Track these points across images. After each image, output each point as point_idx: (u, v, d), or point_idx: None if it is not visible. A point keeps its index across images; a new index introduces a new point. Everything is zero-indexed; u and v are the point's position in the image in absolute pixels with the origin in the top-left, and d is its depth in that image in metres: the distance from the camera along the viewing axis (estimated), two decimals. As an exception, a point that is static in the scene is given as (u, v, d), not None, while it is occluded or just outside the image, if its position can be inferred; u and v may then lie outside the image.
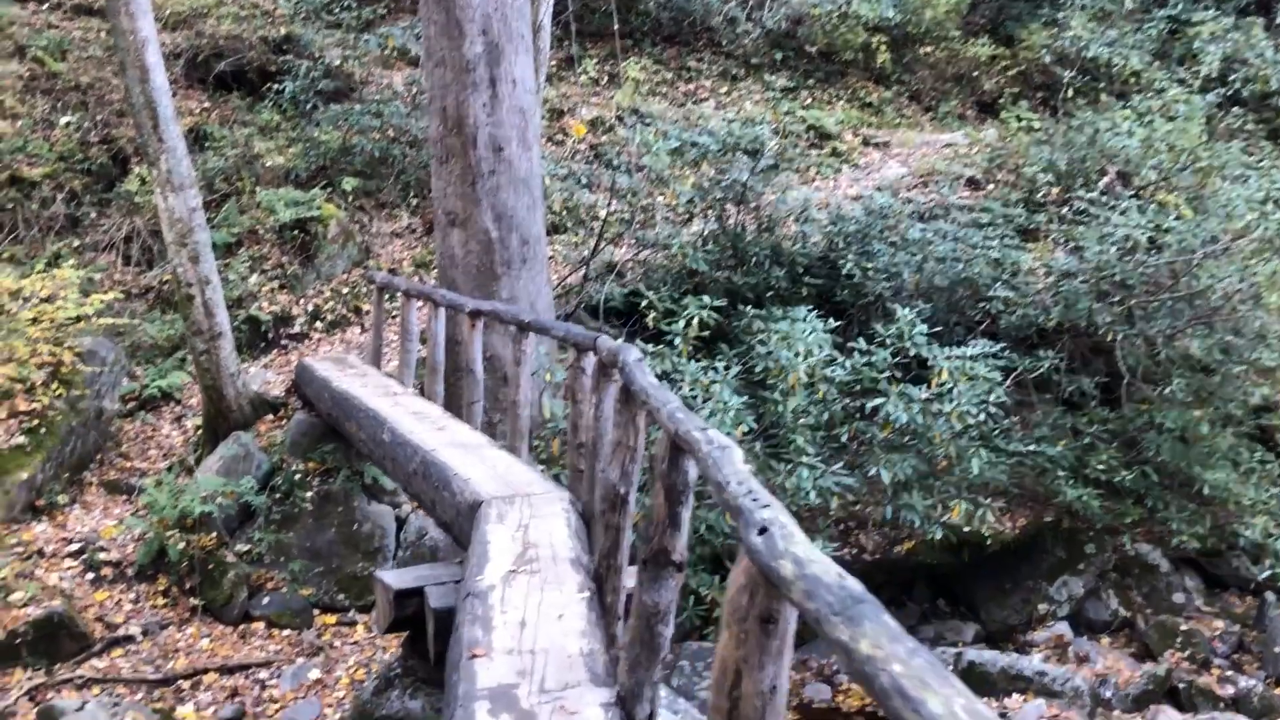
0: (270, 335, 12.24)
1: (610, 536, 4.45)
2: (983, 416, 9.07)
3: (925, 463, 9.27)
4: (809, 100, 16.71)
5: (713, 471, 2.55)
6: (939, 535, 9.00)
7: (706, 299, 9.10)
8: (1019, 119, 15.28)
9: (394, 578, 5.74)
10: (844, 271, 11.37)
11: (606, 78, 16.87)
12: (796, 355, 8.21)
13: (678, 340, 8.73)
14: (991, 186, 13.93)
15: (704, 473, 2.69)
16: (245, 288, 12.46)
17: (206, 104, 15.60)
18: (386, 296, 10.57)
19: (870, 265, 11.42)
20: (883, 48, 16.94)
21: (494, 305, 7.26)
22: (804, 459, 7.83)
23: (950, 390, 8.98)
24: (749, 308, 10.48)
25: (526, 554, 4.73)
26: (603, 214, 13.14)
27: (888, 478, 8.68)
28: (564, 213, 13.91)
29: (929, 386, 9.04)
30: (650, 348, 8.56)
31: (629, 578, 4.55)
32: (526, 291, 9.54)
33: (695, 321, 8.24)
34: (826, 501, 8.36)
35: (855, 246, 11.63)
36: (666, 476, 3.29)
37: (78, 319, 10.66)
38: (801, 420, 8.28)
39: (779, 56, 17.40)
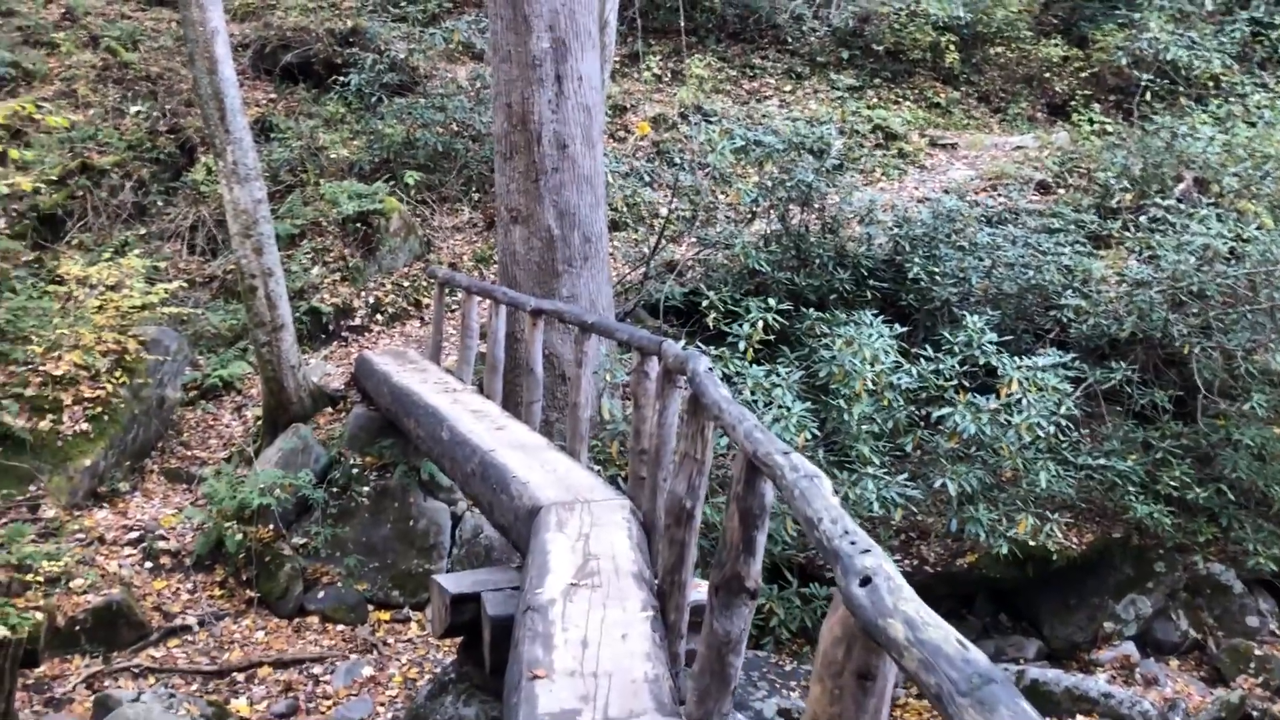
0: (331, 327, 12.23)
1: (675, 552, 4.27)
2: (1052, 429, 8.78)
3: (991, 474, 9.00)
4: (875, 100, 16.38)
5: (800, 504, 2.36)
6: (1004, 550, 8.72)
7: (770, 301, 8.89)
8: (1091, 122, 14.86)
9: (450, 581, 5.62)
10: (910, 275, 11.09)
11: (670, 75, 16.68)
12: (862, 361, 7.97)
13: (741, 343, 8.53)
14: (1062, 191, 13.54)
15: (789, 504, 2.51)
16: (307, 279, 12.46)
17: (273, 95, 15.67)
18: (447, 292, 10.48)
19: (937, 270, 11.13)
20: (951, 47, 16.55)
21: (556, 304, 7.11)
22: (869, 469, 7.59)
23: (1019, 401, 8.70)
24: (811, 310, 10.26)
25: (587, 566, 4.57)
26: (664, 212, 12.96)
27: (954, 489, 8.42)
28: (625, 210, 13.76)
29: (997, 396, 8.76)
30: (710, 349, 8.38)
31: (693, 594, 4.38)
32: (587, 289, 9.40)
33: (759, 324, 8.02)
34: (890, 512, 8.12)
35: (921, 250, 11.34)
36: (742, 499, 3.11)
37: (143, 307, 10.72)
38: (865, 428, 8.05)
39: (845, 55, 17.08)
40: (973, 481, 8.57)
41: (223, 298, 12.54)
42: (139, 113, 14.91)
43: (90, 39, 16.04)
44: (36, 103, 13.67)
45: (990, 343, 9.09)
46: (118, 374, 9.97)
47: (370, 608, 8.70)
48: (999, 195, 13.31)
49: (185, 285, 13.03)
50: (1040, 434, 8.66)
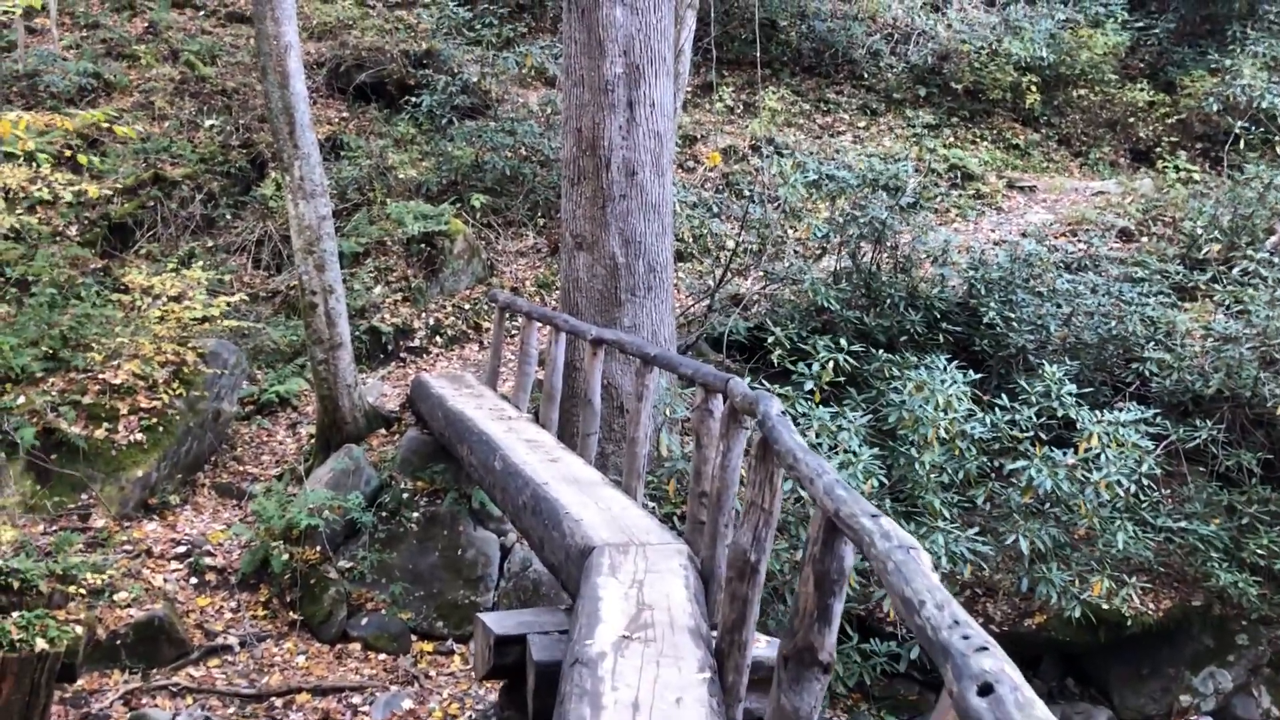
0: (390, 347, 12.10)
1: (737, 609, 3.96)
2: (1132, 488, 8.33)
3: (1065, 532, 8.55)
4: (952, 139, 15.99)
5: (894, 580, 2.05)
6: (1077, 613, 8.26)
7: (841, 341, 8.55)
8: (1177, 169, 14.35)
9: (495, 621, 5.35)
10: (984, 320, 10.70)
11: (742, 107, 16.45)
12: (935, 408, 7.60)
13: (808, 383, 8.20)
14: (1145, 240, 13.03)
15: (880, 577, 2.20)
16: (369, 298, 12.35)
17: (345, 114, 15.69)
18: (508, 316, 10.28)
19: (1013, 315, 10.72)
20: (1033, 88, 16.13)
21: (618, 334, 6.85)
22: (939, 523, 7.20)
23: (1098, 457, 8.26)
24: (880, 352, 9.89)
25: (641, 617, 4.26)
26: (730, 244, 12.69)
27: (1026, 547, 7.99)
28: (690, 241, 13.51)
29: (1075, 451, 8.33)
30: (774, 388, 8.04)
31: (755, 651, 4.06)
32: (650, 319, 9.13)
33: (829, 365, 7.69)
34: (958, 568, 7.71)
35: (998, 294, 10.93)
36: (818, 561, 2.80)
37: (203, 319, 10.66)
38: (935, 477, 7.66)
39: (922, 92, 16.73)
40: (1046, 539, 8.14)
41: (284, 313, 12.46)
42: (213, 126, 15.00)
43: (170, 52, 16.22)
44: (112, 114, 13.80)
45: (1070, 394, 8.66)
46: (175, 385, 9.88)
47: (413, 637, 8.45)
48: (1079, 241, 12.84)
49: (247, 299, 13.00)
50: (1120, 492, 8.21)
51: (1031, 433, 8.49)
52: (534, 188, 14.18)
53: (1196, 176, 13.92)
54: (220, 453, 10.50)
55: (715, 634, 4.29)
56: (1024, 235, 12.54)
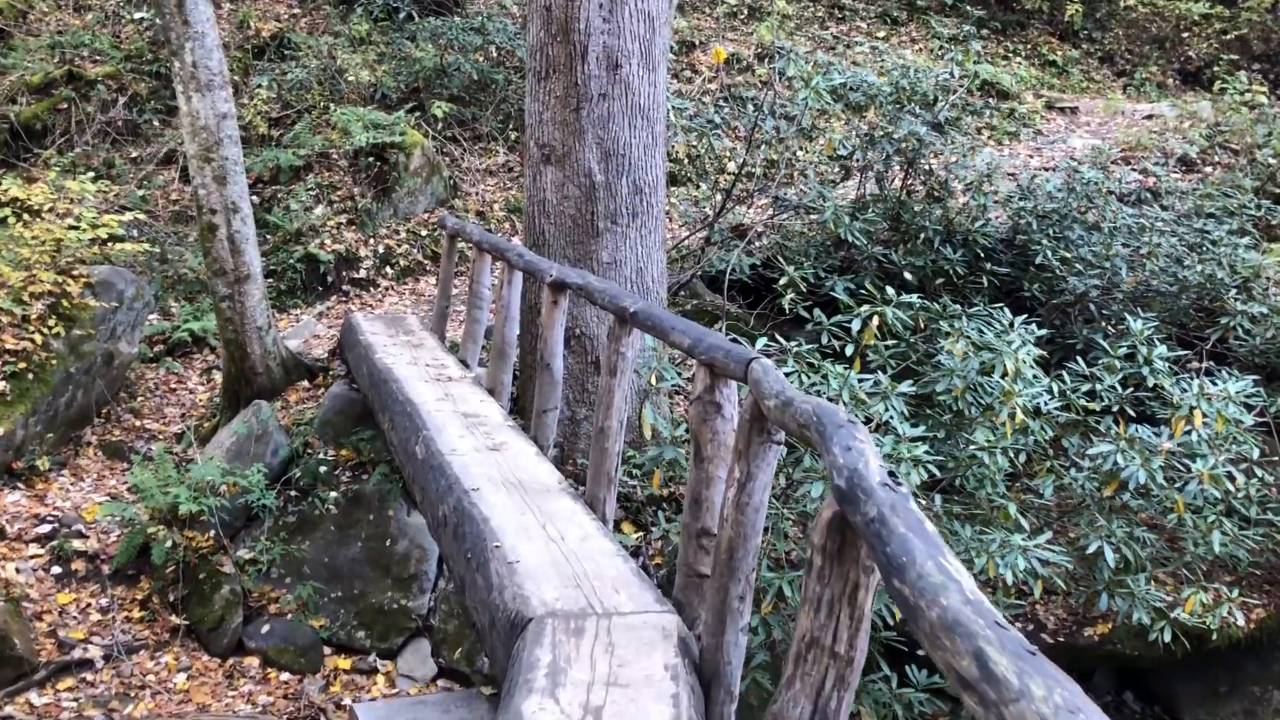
0: (330, 279, 9.97)
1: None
2: (1240, 479, 6.35)
3: (1156, 535, 6.58)
4: (980, 53, 13.71)
5: None
6: (1167, 636, 6.32)
7: (878, 288, 6.45)
8: (1240, 91, 12.15)
9: (373, 716, 3.35)
10: (1035, 260, 8.62)
11: (747, 10, 14.10)
12: (1009, 379, 5.54)
13: (831, 338, 6.11)
14: (1210, 170, 10.90)
15: None
16: (307, 220, 10.19)
17: (296, 9, 13.34)
18: (461, 246, 8.16)
19: (1070, 255, 8.65)
20: (1073, -2, 13.85)
21: (585, 277, 4.76)
22: (1014, 538, 5.16)
23: (1199, 440, 6.25)
24: (914, 297, 7.80)
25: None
26: (731, 166, 10.54)
27: (1112, 557, 6.00)
28: (686, 161, 11.34)
29: (1172, 432, 6.30)
30: (790, 345, 5.94)
31: None
32: (634, 254, 7.03)
33: (874, 321, 5.57)
34: (1030, 585, 5.73)
35: (1053, 229, 8.84)
36: None
37: (104, 241, 8.53)
38: (996, 462, 5.62)
39: (949, 0, 14.40)
40: (1134, 548, 6.15)
41: (207, 236, 10.28)
42: (142, 20, 12.67)
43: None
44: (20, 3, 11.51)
45: (1163, 357, 6.62)
46: (51, 323, 7.78)
47: (326, 650, 6.47)
48: (1134, 170, 10.70)
49: (173, 219, 10.86)
50: (1230, 486, 6.22)
51: (1117, 406, 6.47)
52: (506, 96, 11.95)
53: (1264, 99, 11.73)
54: (115, 405, 8.43)
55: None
56: (1072, 161, 10.37)
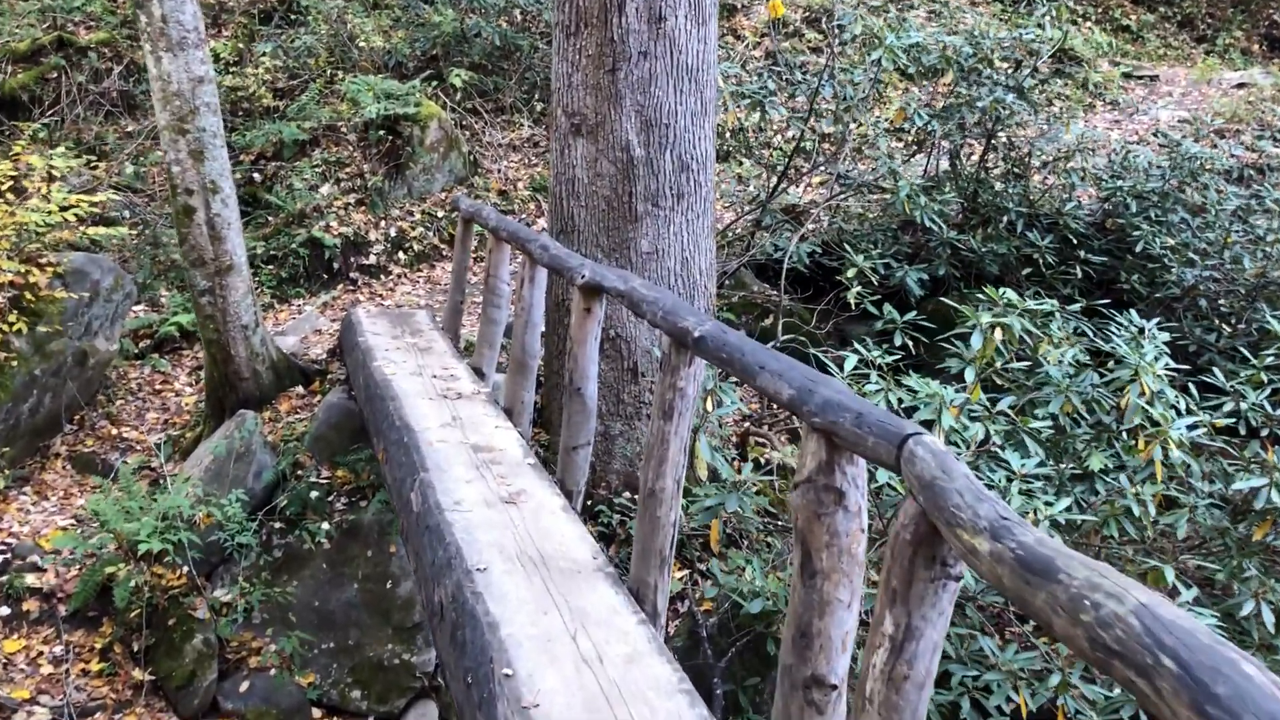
0: (336, 265, 8.84)
1: None
2: None
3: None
4: (1048, 17, 12.35)
5: None
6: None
7: (1009, 292, 5.20)
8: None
9: None
10: (1135, 248, 7.37)
11: (793, -29, 12.79)
12: (1164, 405, 4.32)
13: (967, 369, 4.84)
14: (1317, 144, 9.55)
15: None
16: (311, 200, 9.06)
17: (307, -30, 12.15)
18: (478, 230, 7.01)
19: (1174, 240, 7.40)
20: (1149, -43, 12.46)
21: (629, 281, 3.57)
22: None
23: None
24: (1003, 290, 6.56)
25: None
26: (778, 140, 9.30)
27: (1271, 618, 4.79)
28: (729, 135, 10.11)
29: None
30: (873, 354, 4.73)
31: None
32: (679, 242, 5.85)
33: (995, 332, 4.34)
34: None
35: (1154, 211, 7.57)
36: None
37: (83, 221, 7.46)
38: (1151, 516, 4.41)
39: (1013, -39, 13.03)
40: (1296, 605, 4.93)
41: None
42: (140, -18, 11.51)
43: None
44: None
45: (1316, 369, 5.38)
46: (12, 318, 6.69)
47: (316, 713, 5.38)
48: (1236, 144, 9.38)
49: (146, 199, 9.75)
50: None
51: (1267, 430, 5.24)
52: (532, 64, 10.74)
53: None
54: (90, 409, 7.35)
55: None
56: (1158, 135, 9.05)
